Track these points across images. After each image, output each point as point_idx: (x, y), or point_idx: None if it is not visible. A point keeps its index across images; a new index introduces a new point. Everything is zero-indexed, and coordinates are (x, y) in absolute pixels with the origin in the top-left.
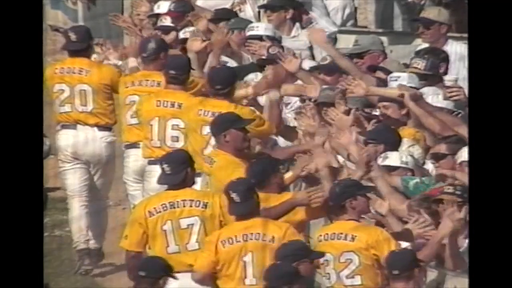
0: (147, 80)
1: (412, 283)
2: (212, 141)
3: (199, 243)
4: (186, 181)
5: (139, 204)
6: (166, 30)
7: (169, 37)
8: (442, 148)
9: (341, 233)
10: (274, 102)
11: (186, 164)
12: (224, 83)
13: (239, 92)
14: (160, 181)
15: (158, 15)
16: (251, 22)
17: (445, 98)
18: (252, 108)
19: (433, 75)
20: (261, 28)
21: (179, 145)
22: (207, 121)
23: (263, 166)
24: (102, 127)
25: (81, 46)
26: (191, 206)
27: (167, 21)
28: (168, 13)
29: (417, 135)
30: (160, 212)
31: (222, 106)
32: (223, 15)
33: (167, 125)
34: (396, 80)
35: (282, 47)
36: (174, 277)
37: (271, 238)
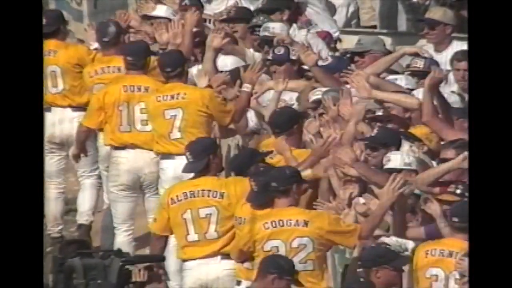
0: (108, 67)
1: None
2: (177, 123)
3: (217, 232)
4: (209, 168)
5: (165, 190)
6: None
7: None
8: (450, 153)
9: (290, 219)
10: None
11: (209, 151)
12: (172, 65)
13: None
14: (185, 169)
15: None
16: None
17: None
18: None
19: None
20: (277, 28)
21: (149, 128)
22: (168, 105)
23: (241, 159)
24: (75, 108)
25: (49, 29)
26: (208, 196)
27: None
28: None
29: (430, 136)
30: (181, 200)
31: (175, 88)
32: (241, 15)
33: (135, 110)
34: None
35: (287, 47)
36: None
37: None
